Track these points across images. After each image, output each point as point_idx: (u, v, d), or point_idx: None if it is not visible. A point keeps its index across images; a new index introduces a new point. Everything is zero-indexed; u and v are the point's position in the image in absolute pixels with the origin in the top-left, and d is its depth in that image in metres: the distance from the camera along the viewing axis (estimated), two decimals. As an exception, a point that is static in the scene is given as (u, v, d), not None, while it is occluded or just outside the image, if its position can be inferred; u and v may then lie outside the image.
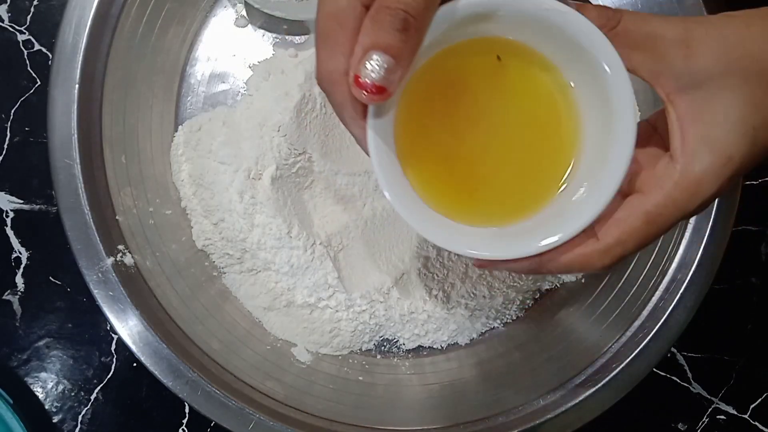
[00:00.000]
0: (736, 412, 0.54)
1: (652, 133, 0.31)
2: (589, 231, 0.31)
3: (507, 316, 0.51)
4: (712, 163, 0.29)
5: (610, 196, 0.30)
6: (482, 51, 0.31)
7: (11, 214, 0.53)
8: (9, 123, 0.52)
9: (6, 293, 0.52)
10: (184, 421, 0.52)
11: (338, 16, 0.28)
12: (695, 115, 0.29)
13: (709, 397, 0.54)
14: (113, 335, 0.52)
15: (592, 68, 0.30)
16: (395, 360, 0.51)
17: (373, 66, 0.27)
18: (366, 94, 0.27)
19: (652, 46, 0.29)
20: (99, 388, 0.52)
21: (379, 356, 0.51)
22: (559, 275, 0.51)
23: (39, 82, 0.53)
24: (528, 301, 0.51)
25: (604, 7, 0.30)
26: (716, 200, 0.45)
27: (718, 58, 0.29)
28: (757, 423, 0.54)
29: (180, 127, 0.50)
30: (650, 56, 0.29)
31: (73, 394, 0.52)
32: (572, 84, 0.32)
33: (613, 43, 0.29)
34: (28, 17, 0.53)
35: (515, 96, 0.33)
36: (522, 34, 0.31)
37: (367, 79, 0.27)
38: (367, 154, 0.30)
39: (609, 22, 0.29)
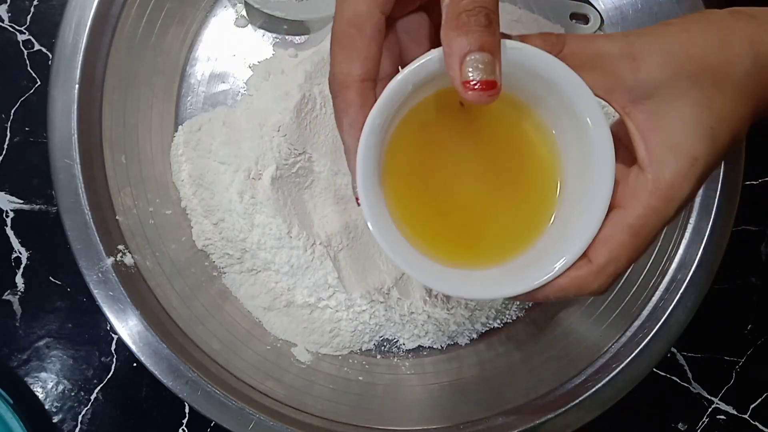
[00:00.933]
0: (736, 412, 0.54)
1: (617, 145, 0.31)
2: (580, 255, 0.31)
3: (507, 316, 0.51)
4: (680, 166, 0.29)
5: (601, 215, 0.30)
6: (448, 101, 0.32)
7: (11, 214, 0.53)
8: (9, 123, 0.52)
9: (6, 293, 0.52)
10: (184, 421, 0.52)
11: (357, 21, 0.29)
12: (653, 124, 0.30)
13: (709, 397, 0.54)
14: (113, 335, 0.52)
15: (561, 99, 0.30)
16: (395, 360, 0.51)
17: (476, 66, 0.28)
18: (480, 92, 0.28)
19: (600, 64, 0.30)
20: (99, 388, 0.52)
21: (379, 356, 0.51)
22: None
23: (39, 82, 0.53)
24: (528, 302, 0.51)
25: (547, 33, 0.30)
26: (717, 200, 0.45)
27: (664, 65, 0.29)
28: (757, 423, 0.54)
29: (180, 127, 0.50)
30: (600, 74, 0.30)
31: (73, 394, 0.52)
32: (544, 118, 0.33)
33: None
34: (28, 17, 0.53)
35: (490, 138, 0.33)
36: None
37: (475, 80, 0.28)
38: (351, 168, 0.31)
39: (554, 47, 0.30)
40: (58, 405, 0.52)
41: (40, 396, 0.52)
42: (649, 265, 0.46)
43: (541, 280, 0.31)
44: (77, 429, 0.52)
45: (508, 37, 0.30)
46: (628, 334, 0.45)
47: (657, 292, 0.45)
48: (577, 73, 0.29)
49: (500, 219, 0.34)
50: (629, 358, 0.44)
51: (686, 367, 0.54)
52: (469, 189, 0.34)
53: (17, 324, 0.52)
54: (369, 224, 0.30)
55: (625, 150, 0.32)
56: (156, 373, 0.43)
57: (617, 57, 0.30)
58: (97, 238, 0.43)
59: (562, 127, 0.32)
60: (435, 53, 0.29)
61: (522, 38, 0.30)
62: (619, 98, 0.30)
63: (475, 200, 0.34)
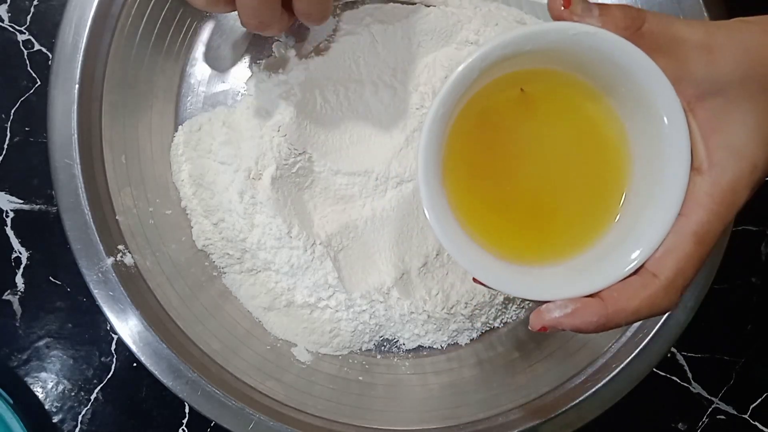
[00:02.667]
0: (736, 412, 0.54)
1: None
2: (643, 272, 0.30)
3: (507, 315, 0.51)
4: (741, 171, 0.28)
5: (673, 217, 0.29)
6: (509, 87, 0.31)
7: (11, 214, 0.53)
8: (9, 123, 0.52)
9: (6, 293, 0.52)
10: (184, 421, 0.52)
11: None
12: (716, 125, 0.29)
13: (709, 397, 0.54)
14: (113, 335, 0.52)
15: (636, 89, 0.29)
16: (395, 360, 0.51)
17: None
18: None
19: (675, 49, 0.29)
20: (99, 388, 0.52)
21: (379, 356, 0.51)
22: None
23: (39, 82, 0.53)
24: (528, 301, 0.51)
25: (628, 6, 0.29)
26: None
27: (738, 64, 0.28)
28: (757, 423, 0.54)
29: (180, 127, 0.50)
30: (673, 60, 0.29)
31: (73, 394, 0.52)
32: (615, 107, 0.31)
33: (637, 44, 0.28)
34: (28, 17, 0.53)
35: (555, 126, 0.32)
36: (557, 61, 0.30)
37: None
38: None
39: (634, 22, 0.28)
40: (58, 405, 0.52)
41: (40, 396, 0.52)
42: (649, 265, 0.46)
43: (612, 280, 0.29)
44: (77, 429, 0.52)
45: (589, 11, 0.28)
46: (628, 334, 0.45)
47: (657, 292, 0.45)
48: (651, 54, 0.28)
49: (564, 213, 0.32)
50: (629, 358, 0.44)
51: (686, 367, 0.54)
52: (532, 180, 0.32)
53: (17, 324, 0.52)
54: (428, 217, 0.29)
55: None
56: (156, 373, 0.43)
57: (694, 46, 0.28)
58: (97, 238, 0.43)
59: (634, 118, 0.30)
60: (501, 39, 0.28)
61: (601, 7, 0.28)
62: (686, 91, 0.29)
63: (539, 192, 0.32)
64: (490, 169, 0.32)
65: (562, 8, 0.29)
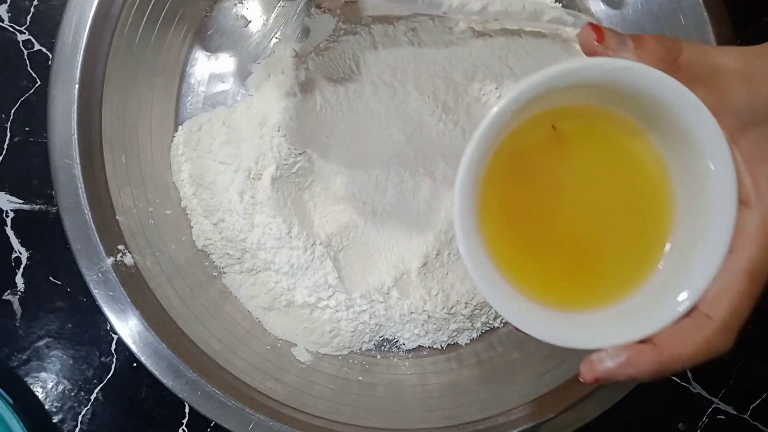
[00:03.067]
0: (736, 412, 0.54)
1: None
2: (696, 314, 0.28)
3: (507, 316, 0.51)
4: None
5: (722, 258, 0.28)
6: (541, 125, 0.30)
7: (11, 214, 0.53)
8: (9, 123, 0.52)
9: (6, 293, 0.52)
10: (184, 421, 0.52)
11: None
12: (760, 155, 0.28)
13: (709, 397, 0.54)
14: (113, 335, 0.52)
15: (676, 124, 0.28)
16: (395, 360, 0.51)
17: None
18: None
19: (714, 79, 0.28)
20: (99, 388, 0.52)
21: (379, 356, 0.51)
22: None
23: (39, 82, 0.53)
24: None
25: (664, 37, 0.28)
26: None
27: None
28: (757, 423, 0.54)
29: (180, 127, 0.50)
30: (712, 91, 0.28)
31: (73, 394, 0.52)
32: (655, 142, 0.30)
33: (674, 76, 0.27)
34: (28, 17, 0.53)
35: (593, 164, 0.31)
36: (592, 97, 0.29)
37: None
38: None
39: (670, 54, 0.28)
40: (58, 405, 0.52)
41: (40, 396, 0.52)
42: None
43: (664, 323, 0.28)
44: (77, 429, 0.52)
45: (623, 44, 0.27)
46: (628, 334, 0.45)
47: (657, 292, 0.45)
48: (690, 86, 0.27)
49: (607, 255, 0.31)
50: (629, 358, 0.44)
51: (686, 367, 0.54)
52: (571, 221, 0.31)
53: (17, 324, 0.52)
54: (467, 265, 0.28)
55: None
56: (156, 373, 0.43)
57: (734, 75, 0.27)
58: (97, 238, 0.43)
59: (676, 152, 0.29)
60: (533, 79, 0.27)
61: (636, 39, 0.28)
62: (728, 121, 0.28)
63: (579, 233, 0.31)
64: (527, 212, 0.31)
65: (596, 43, 0.28)
